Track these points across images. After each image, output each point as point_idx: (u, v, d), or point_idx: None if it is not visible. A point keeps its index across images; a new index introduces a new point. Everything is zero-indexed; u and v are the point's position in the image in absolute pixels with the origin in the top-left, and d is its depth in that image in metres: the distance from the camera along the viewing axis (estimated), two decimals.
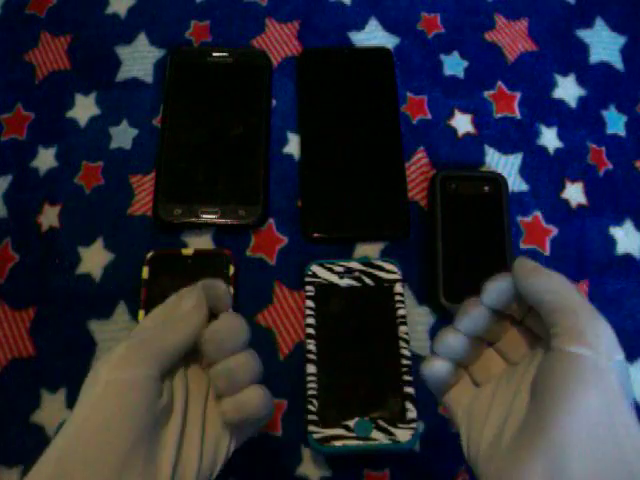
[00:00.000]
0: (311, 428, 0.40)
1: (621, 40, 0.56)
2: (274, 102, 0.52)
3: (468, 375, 0.32)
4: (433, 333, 0.44)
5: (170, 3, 0.56)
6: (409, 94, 0.53)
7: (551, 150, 0.51)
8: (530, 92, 0.53)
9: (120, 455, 0.25)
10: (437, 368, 0.31)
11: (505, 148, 0.51)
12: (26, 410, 0.42)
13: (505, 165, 0.50)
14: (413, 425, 0.40)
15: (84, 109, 0.51)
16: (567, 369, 0.25)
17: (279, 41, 0.54)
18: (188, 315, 0.31)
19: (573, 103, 0.53)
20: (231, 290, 0.44)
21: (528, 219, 0.48)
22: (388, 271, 0.45)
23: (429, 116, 0.52)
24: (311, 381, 0.41)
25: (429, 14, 0.56)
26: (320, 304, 0.44)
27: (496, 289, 0.29)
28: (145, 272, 0.44)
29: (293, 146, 0.50)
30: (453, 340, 0.31)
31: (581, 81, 0.54)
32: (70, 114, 0.51)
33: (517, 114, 0.52)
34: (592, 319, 0.26)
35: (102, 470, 0.25)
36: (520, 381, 0.29)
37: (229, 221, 0.46)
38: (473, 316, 0.30)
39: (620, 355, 0.26)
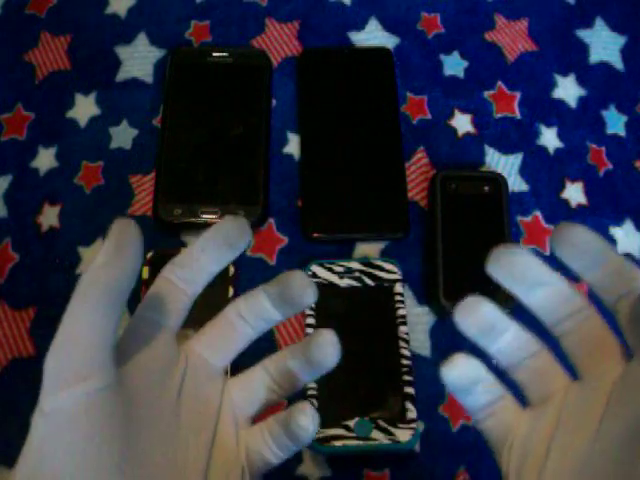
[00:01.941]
0: None
1: (621, 40, 0.56)
2: (274, 102, 0.52)
3: (511, 392, 0.26)
4: (433, 333, 0.44)
5: (170, 3, 0.56)
6: (409, 94, 0.53)
7: (551, 150, 0.51)
8: (530, 92, 0.53)
9: None
10: (463, 370, 0.25)
11: (505, 148, 0.51)
12: (26, 410, 0.42)
13: (505, 165, 0.50)
14: (413, 425, 0.40)
15: (84, 109, 0.51)
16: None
17: (279, 41, 0.54)
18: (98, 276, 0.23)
19: (573, 103, 0.53)
20: (231, 290, 0.44)
21: (528, 219, 0.48)
22: (388, 271, 0.45)
23: (429, 116, 0.52)
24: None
25: (429, 14, 0.56)
26: (320, 304, 0.44)
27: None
28: (145, 272, 0.44)
29: (293, 146, 0.50)
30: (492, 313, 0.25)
31: (581, 81, 0.54)
32: (70, 114, 0.51)
33: (517, 114, 0.52)
34: None
35: None
36: (602, 402, 0.22)
37: None
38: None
39: None
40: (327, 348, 0.28)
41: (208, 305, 0.43)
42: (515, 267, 0.27)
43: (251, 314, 0.29)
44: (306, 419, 0.26)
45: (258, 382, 0.29)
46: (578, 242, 0.25)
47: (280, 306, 0.29)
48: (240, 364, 0.43)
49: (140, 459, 0.23)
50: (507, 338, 0.26)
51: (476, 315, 0.26)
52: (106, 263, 0.23)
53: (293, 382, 0.29)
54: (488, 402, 0.26)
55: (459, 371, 0.25)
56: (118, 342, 0.24)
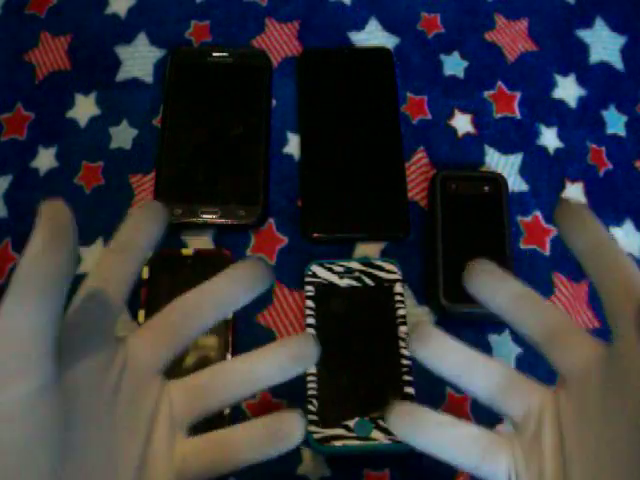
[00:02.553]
0: (311, 428, 0.40)
1: (621, 40, 0.56)
2: (274, 102, 0.52)
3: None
4: None
5: (170, 3, 0.56)
6: (409, 94, 0.53)
7: (551, 150, 0.51)
8: (530, 92, 0.53)
9: None
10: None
11: (505, 148, 0.51)
12: None
13: (505, 165, 0.50)
14: None
15: (84, 109, 0.51)
16: None
17: (279, 41, 0.54)
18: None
19: (573, 103, 0.53)
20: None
21: (528, 219, 0.48)
22: (388, 271, 0.45)
23: (429, 116, 0.52)
24: (311, 381, 0.41)
25: (429, 14, 0.56)
26: (320, 304, 0.44)
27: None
28: (145, 272, 0.44)
29: (293, 146, 0.50)
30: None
31: (581, 81, 0.54)
32: (70, 114, 0.51)
33: (517, 114, 0.52)
34: None
35: None
36: (595, 398, 0.22)
37: (229, 221, 0.46)
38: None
39: None
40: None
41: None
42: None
43: (198, 310, 0.28)
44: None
45: (201, 388, 0.28)
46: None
47: (240, 295, 0.28)
48: None
49: (76, 461, 0.22)
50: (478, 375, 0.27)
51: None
52: (42, 251, 0.21)
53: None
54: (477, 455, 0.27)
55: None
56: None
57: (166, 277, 0.44)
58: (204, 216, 0.46)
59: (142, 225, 0.27)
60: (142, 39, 0.54)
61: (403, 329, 0.43)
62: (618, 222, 0.49)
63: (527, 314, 0.26)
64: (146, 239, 0.27)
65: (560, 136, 0.51)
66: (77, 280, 0.24)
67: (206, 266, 0.44)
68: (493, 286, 0.27)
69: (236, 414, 0.42)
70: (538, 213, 0.49)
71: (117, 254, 0.26)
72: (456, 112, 0.52)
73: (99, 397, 0.24)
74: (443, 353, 0.28)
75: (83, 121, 0.51)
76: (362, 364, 0.42)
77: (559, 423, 0.24)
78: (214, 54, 0.52)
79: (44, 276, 0.20)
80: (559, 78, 0.54)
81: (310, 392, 0.41)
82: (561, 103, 0.53)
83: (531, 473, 0.25)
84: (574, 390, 0.24)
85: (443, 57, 0.54)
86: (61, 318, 0.22)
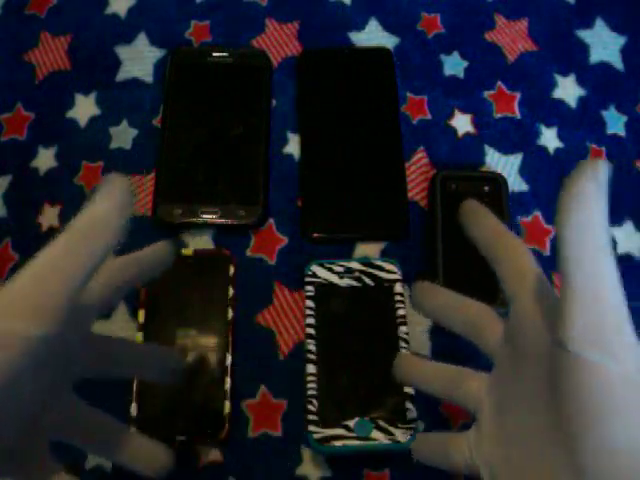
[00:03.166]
0: (311, 428, 0.40)
1: (621, 40, 0.56)
2: (274, 102, 0.52)
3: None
4: (433, 333, 0.44)
5: (170, 3, 0.56)
6: (409, 94, 0.53)
7: (551, 150, 0.51)
8: (530, 92, 0.53)
9: None
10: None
11: (505, 148, 0.51)
12: None
13: (505, 165, 0.50)
14: (413, 425, 0.40)
15: (84, 109, 0.51)
16: (593, 390, 0.22)
17: (279, 41, 0.54)
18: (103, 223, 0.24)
19: (573, 103, 0.53)
20: (231, 290, 0.44)
21: (528, 219, 0.48)
22: (388, 271, 0.45)
23: (429, 116, 0.52)
24: (311, 381, 0.41)
25: (429, 14, 0.56)
26: (320, 304, 0.44)
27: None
28: None
29: (293, 146, 0.50)
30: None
31: (581, 81, 0.54)
32: (70, 114, 0.51)
33: (517, 114, 0.52)
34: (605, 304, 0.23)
35: None
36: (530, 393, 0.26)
37: (229, 221, 0.46)
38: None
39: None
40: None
41: (208, 305, 0.44)
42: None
43: None
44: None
45: None
46: None
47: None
48: (240, 369, 0.43)
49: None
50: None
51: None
52: (105, 208, 0.24)
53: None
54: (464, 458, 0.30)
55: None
56: None
57: (166, 277, 0.44)
58: (204, 216, 0.46)
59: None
60: (142, 39, 0.54)
61: (403, 329, 0.43)
62: (618, 222, 0.49)
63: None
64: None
65: (560, 136, 0.51)
66: None
67: (206, 266, 0.44)
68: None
69: (236, 414, 0.42)
70: (538, 213, 0.49)
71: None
72: (456, 112, 0.52)
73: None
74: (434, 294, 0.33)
75: (83, 121, 0.51)
76: (362, 364, 0.42)
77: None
78: (214, 54, 0.52)
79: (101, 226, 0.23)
80: (559, 78, 0.54)
81: (310, 392, 0.41)
82: (561, 103, 0.53)
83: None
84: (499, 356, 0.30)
85: (443, 57, 0.54)
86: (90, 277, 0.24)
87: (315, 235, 0.47)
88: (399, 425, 0.40)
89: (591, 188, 0.22)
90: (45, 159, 0.50)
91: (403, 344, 0.42)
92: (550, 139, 0.51)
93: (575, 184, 0.23)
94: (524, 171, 0.50)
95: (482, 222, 0.30)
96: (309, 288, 0.44)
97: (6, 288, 0.22)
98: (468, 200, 0.30)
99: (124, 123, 0.51)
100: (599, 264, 0.23)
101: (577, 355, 0.22)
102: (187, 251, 0.45)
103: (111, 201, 0.24)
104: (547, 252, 0.47)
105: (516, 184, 0.50)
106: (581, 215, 0.23)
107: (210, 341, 0.43)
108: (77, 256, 0.23)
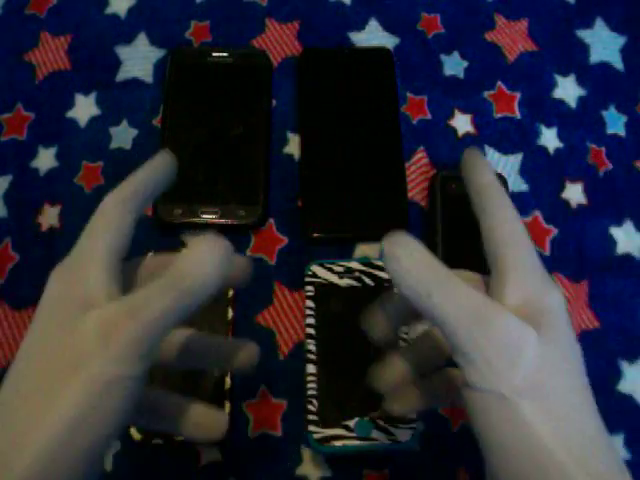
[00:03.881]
0: (311, 428, 0.40)
1: (621, 40, 0.56)
2: (274, 102, 0.52)
3: None
4: None
5: (170, 3, 0.56)
6: (409, 94, 0.53)
7: (551, 150, 0.51)
8: (530, 92, 0.53)
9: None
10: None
11: (505, 148, 0.51)
12: None
13: (505, 165, 0.50)
14: (413, 425, 0.40)
15: (84, 109, 0.51)
16: (479, 414, 0.23)
17: (279, 41, 0.54)
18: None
19: (573, 103, 0.53)
20: (231, 290, 0.44)
21: (528, 219, 0.48)
22: None
23: (429, 116, 0.52)
24: (311, 381, 0.41)
25: (429, 14, 0.56)
26: (320, 304, 0.44)
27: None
28: None
29: (293, 146, 0.50)
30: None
31: (581, 81, 0.54)
32: (70, 114, 0.51)
33: (517, 114, 0.52)
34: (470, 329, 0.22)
35: None
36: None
37: (229, 221, 0.46)
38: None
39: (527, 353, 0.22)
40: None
41: (208, 305, 0.43)
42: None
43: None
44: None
45: None
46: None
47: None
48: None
49: None
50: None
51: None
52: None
53: None
54: None
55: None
56: None
57: None
58: (204, 216, 0.46)
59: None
60: (142, 39, 0.54)
61: (403, 329, 0.43)
62: (618, 222, 0.49)
63: None
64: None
65: (560, 136, 0.51)
66: None
67: None
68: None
69: (236, 413, 0.42)
70: (538, 213, 0.49)
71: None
72: (456, 112, 0.52)
73: None
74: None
75: (83, 121, 0.51)
76: (362, 364, 0.42)
77: None
78: (214, 54, 0.52)
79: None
80: (559, 78, 0.54)
81: (310, 392, 0.41)
82: (561, 103, 0.53)
83: None
84: None
85: (443, 57, 0.54)
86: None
87: (315, 235, 0.47)
88: (399, 425, 0.40)
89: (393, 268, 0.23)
90: (45, 159, 0.50)
91: (403, 344, 0.42)
92: (550, 139, 0.51)
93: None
94: (524, 171, 0.50)
95: (479, 172, 0.28)
96: (309, 288, 0.44)
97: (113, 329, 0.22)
98: (469, 149, 0.28)
99: (124, 123, 0.51)
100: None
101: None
102: None
103: (214, 269, 0.23)
104: (547, 252, 0.47)
105: (516, 184, 0.50)
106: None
107: None
108: (174, 312, 0.23)
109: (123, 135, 0.50)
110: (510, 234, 0.25)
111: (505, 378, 0.22)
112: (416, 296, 0.22)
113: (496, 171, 0.49)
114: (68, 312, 0.23)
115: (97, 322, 0.22)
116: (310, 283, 0.44)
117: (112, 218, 0.26)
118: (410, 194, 0.49)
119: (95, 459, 0.23)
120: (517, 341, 0.22)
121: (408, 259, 0.22)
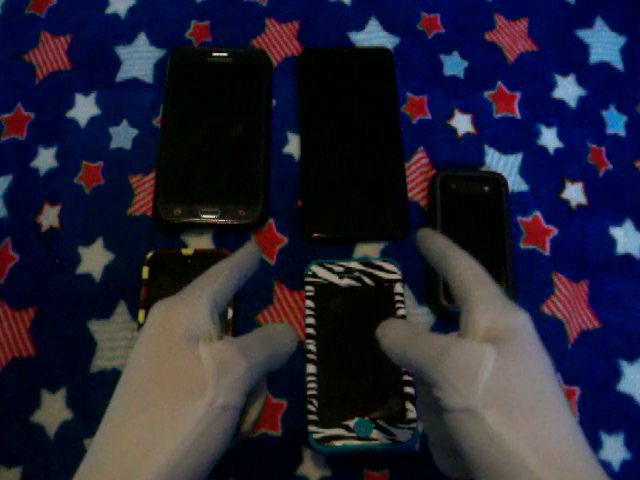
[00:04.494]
0: (311, 428, 0.40)
1: (621, 40, 0.56)
2: (274, 102, 0.52)
3: None
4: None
5: (170, 3, 0.56)
6: (409, 94, 0.53)
7: (551, 150, 0.51)
8: (530, 92, 0.53)
9: None
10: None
11: (505, 148, 0.51)
12: (26, 410, 0.42)
13: (505, 165, 0.50)
14: (413, 425, 0.40)
15: (84, 109, 0.51)
16: (455, 433, 0.25)
17: (279, 41, 0.54)
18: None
19: (573, 103, 0.53)
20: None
21: (528, 219, 0.48)
22: (388, 271, 0.45)
23: (429, 116, 0.52)
24: (311, 381, 0.41)
25: (429, 14, 0.56)
26: (320, 304, 0.44)
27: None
28: (145, 272, 0.44)
29: (293, 146, 0.50)
30: None
31: (581, 81, 0.54)
32: (70, 114, 0.51)
33: (517, 114, 0.52)
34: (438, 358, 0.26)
35: None
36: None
37: (229, 221, 0.46)
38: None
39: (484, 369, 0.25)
40: None
41: None
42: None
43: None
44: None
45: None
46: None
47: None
48: None
49: None
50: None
51: None
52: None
53: None
54: None
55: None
56: None
57: (166, 277, 0.44)
58: (204, 216, 0.46)
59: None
60: (142, 39, 0.54)
61: None
62: (618, 222, 0.49)
63: None
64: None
65: (560, 136, 0.51)
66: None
67: (206, 266, 0.44)
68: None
69: None
70: (538, 213, 0.49)
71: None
72: (456, 112, 0.52)
73: None
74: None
75: (83, 121, 0.51)
76: (362, 364, 0.42)
77: None
78: (214, 54, 0.52)
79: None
80: (559, 78, 0.54)
81: (310, 392, 0.41)
82: (561, 103, 0.53)
83: None
84: None
85: (443, 57, 0.54)
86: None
87: (315, 235, 0.47)
88: (399, 425, 0.40)
89: None
90: (45, 159, 0.50)
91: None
92: (550, 139, 0.51)
93: None
94: (524, 171, 0.50)
95: (436, 243, 0.32)
96: (309, 288, 0.44)
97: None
98: (419, 229, 0.33)
99: (124, 123, 0.51)
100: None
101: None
102: (187, 251, 0.45)
103: (294, 347, 0.30)
104: (547, 252, 0.47)
105: (516, 184, 0.50)
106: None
107: None
108: (269, 363, 0.29)
109: (123, 135, 0.50)
110: (473, 276, 0.29)
111: (468, 393, 0.25)
112: (396, 354, 0.29)
113: (497, 171, 0.49)
114: (178, 338, 0.27)
115: (214, 356, 0.26)
116: (310, 283, 0.44)
117: (218, 277, 0.31)
118: (410, 194, 0.49)
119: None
120: (476, 360, 0.25)
121: (391, 332, 0.30)
